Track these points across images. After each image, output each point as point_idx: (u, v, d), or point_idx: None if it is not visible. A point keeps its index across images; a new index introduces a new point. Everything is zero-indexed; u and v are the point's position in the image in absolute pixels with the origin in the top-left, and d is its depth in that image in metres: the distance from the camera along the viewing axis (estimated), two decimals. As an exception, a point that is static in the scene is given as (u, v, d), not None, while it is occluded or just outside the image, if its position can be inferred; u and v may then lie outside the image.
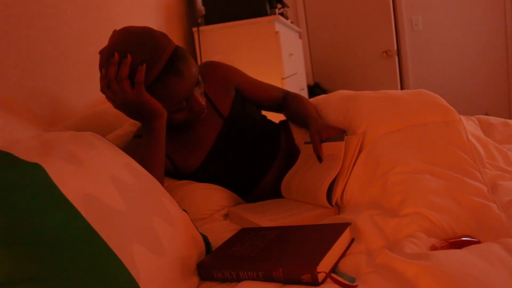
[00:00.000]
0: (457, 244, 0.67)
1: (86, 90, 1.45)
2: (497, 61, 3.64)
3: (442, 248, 0.66)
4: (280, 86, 2.18)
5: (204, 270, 0.74)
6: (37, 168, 0.58)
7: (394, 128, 0.97)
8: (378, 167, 0.90)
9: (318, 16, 3.81)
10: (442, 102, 1.01)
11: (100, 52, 0.98)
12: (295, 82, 2.55)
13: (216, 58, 2.12)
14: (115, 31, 0.99)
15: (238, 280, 0.69)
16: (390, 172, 0.87)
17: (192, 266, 0.74)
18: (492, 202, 0.77)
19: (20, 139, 0.65)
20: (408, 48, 3.81)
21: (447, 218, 0.75)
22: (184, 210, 0.82)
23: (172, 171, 1.18)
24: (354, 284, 0.61)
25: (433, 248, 0.67)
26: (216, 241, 0.90)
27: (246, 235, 0.83)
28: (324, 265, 0.64)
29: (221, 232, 0.99)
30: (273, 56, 2.19)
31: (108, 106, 1.35)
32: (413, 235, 0.72)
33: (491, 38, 3.62)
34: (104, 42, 1.56)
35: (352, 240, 0.76)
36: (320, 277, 0.63)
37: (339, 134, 1.04)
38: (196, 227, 0.82)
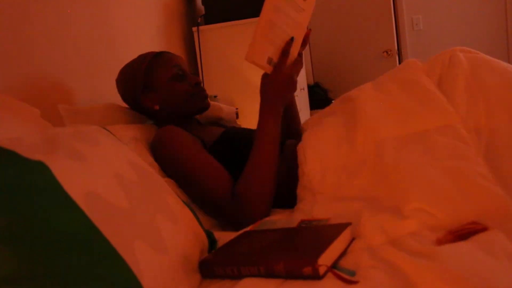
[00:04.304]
0: (462, 235, 0.66)
1: (86, 90, 1.45)
2: (498, 60, 3.64)
3: (447, 241, 0.65)
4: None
5: (206, 267, 0.74)
6: (40, 166, 0.58)
7: (395, 134, 0.97)
8: (374, 160, 0.91)
9: (318, 16, 3.81)
10: (441, 103, 1.00)
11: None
12: (296, 82, 2.54)
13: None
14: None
15: (240, 276, 0.69)
16: (388, 169, 0.87)
17: (194, 263, 0.74)
18: (497, 185, 0.76)
19: (24, 136, 0.65)
20: (408, 48, 3.81)
21: (450, 208, 0.74)
22: (188, 206, 0.82)
23: None
24: (355, 279, 0.62)
25: (438, 242, 0.66)
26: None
27: (248, 236, 0.84)
28: (325, 259, 0.65)
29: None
30: (273, 56, 2.19)
31: (107, 105, 1.35)
32: (416, 231, 0.71)
33: (492, 37, 3.62)
34: (104, 42, 1.56)
35: (352, 240, 0.77)
36: (321, 270, 0.63)
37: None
38: (200, 224, 0.82)
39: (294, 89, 1.09)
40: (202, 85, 1.25)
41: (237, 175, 1.09)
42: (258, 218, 1.01)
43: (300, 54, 1.12)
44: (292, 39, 1.05)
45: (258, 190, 1.02)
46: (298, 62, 1.09)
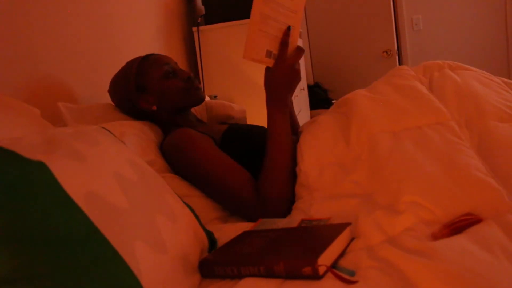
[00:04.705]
0: (458, 228, 0.66)
1: (87, 90, 1.45)
2: (498, 61, 3.65)
3: (443, 236, 0.65)
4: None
5: (206, 267, 0.74)
6: (40, 166, 0.58)
7: (388, 129, 0.98)
8: (368, 154, 0.92)
9: (318, 16, 3.81)
10: (434, 103, 1.02)
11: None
12: (296, 82, 2.54)
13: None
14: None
15: (240, 276, 0.69)
16: (382, 162, 0.88)
17: (194, 263, 0.74)
18: (490, 177, 0.76)
19: (24, 136, 0.65)
20: (408, 48, 3.82)
21: (444, 201, 0.74)
22: (188, 206, 0.82)
23: None
24: (355, 279, 0.62)
25: (434, 236, 0.66)
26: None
27: (248, 236, 0.84)
28: (325, 259, 0.65)
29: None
30: (273, 56, 2.20)
31: (108, 104, 1.36)
32: (412, 226, 0.71)
33: (492, 37, 3.62)
34: (104, 42, 1.56)
35: (352, 239, 0.77)
36: (321, 270, 0.63)
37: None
38: (201, 224, 0.82)
39: (299, 78, 1.08)
40: (192, 74, 1.30)
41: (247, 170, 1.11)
42: (283, 213, 1.02)
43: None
44: (289, 28, 1.04)
45: (280, 185, 1.03)
46: (299, 50, 1.07)
